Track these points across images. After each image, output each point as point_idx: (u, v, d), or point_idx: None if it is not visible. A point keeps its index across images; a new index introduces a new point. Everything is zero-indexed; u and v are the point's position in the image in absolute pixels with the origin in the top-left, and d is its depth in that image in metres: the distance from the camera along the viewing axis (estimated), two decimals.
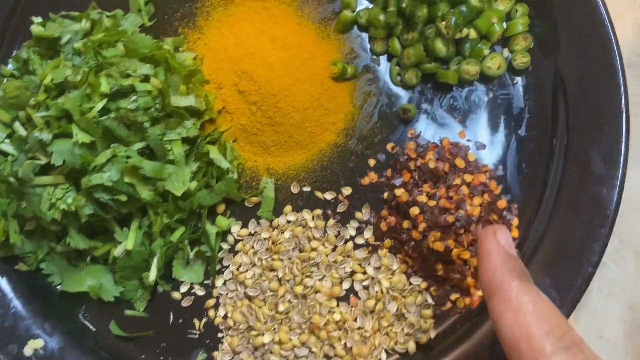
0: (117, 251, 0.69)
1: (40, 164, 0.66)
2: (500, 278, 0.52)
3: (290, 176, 0.76)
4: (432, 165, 0.72)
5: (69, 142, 0.65)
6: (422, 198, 0.70)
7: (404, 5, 0.75)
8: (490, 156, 0.75)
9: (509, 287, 0.51)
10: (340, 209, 0.75)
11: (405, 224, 0.71)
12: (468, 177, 0.72)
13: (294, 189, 0.75)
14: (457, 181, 0.72)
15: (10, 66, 0.76)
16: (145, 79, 0.71)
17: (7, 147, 0.71)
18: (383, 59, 0.79)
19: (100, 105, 0.65)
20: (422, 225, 0.69)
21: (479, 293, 0.71)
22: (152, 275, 0.70)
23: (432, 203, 0.70)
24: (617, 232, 0.71)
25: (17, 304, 0.72)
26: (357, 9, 0.80)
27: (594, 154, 0.71)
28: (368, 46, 0.79)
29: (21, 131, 0.71)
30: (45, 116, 0.67)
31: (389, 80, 0.78)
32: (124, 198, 0.66)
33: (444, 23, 0.74)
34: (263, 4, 0.80)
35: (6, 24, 0.79)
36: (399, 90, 0.78)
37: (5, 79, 0.76)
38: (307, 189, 0.76)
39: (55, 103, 0.66)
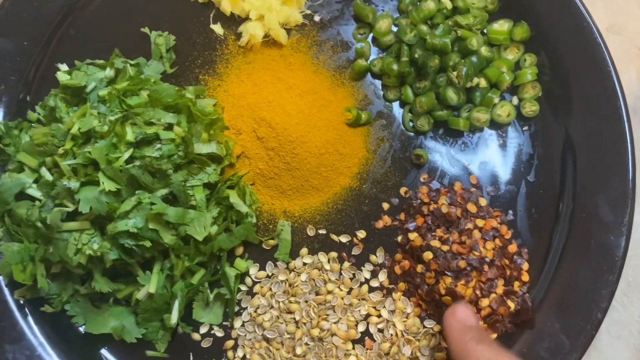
0: (140, 294, 0.71)
1: (67, 211, 0.69)
2: (462, 347, 0.62)
3: (306, 219, 0.79)
4: (444, 210, 0.74)
5: (96, 190, 0.68)
6: (436, 243, 0.73)
7: (416, 55, 0.78)
8: (501, 201, 0.78)
9: (471, 350, 0.61)
10: (355, 251, 0.77)
11: (419, 268, 0.73)
12: (480, 222, 0.74)
13: (310, 232, 0.78)
14: (469, 226, 0.74)
15: (37, 111, 0.79)
16: (169, 127, 0.74)
17: (34, 191, 0.73)
18: (396, 105, 0.82)
19: (126, 155, 0.68)
20: (434, 270, 0.71)
21: (494, 335, 0.73)
22: (174, 317, 0.72)
23: (445, 248, 0.72)
24: (624, 275, 0.73)
25: (42, 344, 0.74)
26: (371, 58, 0.83)
27: (601, 201, 0.73)
28: (381, 93, 0.82)
29: (47, 176, 0.73)
30: (72, 164, 0.70)
31: (401, 125, 0.81)
32: (148, 244, 0.68)
33: (455, 73, 0.77)
34: (280, 52, 0.84)
35: (34, 70, 0.82)
36: (411, 135, 0.81)
37: (32, 125, 0.79)
38: (322, 231, 0.78)
39: (82, 152, 0.69)
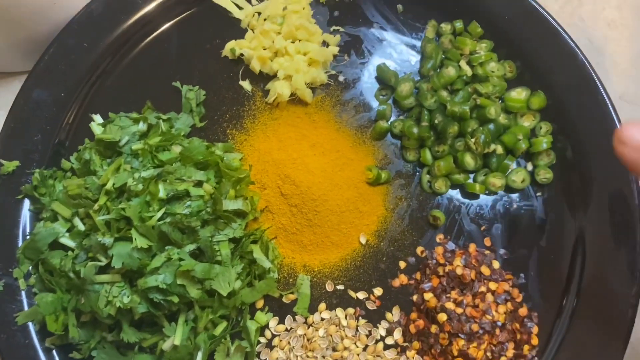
0: (166, 345, 0.74)
1: (100, 266, 0.72)
2: None
3: (325, 274, 0.82)
4: (459, 272, 0.77)
5: (129, 246, 0.71)
6: (450, 305, 0.75)
7: (436, 121, 0.82)
8: (513, 264, 0.81)
9: None
10: (371, 307, 0.80)
11: (433, 328, 0.76)
12: (493, 285, 0.77)
13: (329, 287, 0.81)
14: (483, 289, 0.77)
15: (72, 161, 0.82)
16: (198, 183, 0.77)
17: (67, 241, 0.76)
18: (415, 165, 0.85)
19: (159, 214, 0.71)
20: (448, 332, 0.74)
21: None
22: None
23: (459, 310, 0.75)
24: (632, 342, 0.75)
25: None
26: (392, 119, 0.86)
27: (610, 271, 0.76)
28: (401, 153, 0.86)
29: (80, 226, 0.77)
30: (106, 219, 0.73)
31: (420, 186, 0.84)
32: (176, 299, 0.71)
33: (473, 140, 0.80)
34: (305, 110, 0.87)
35: (69, 120, 0.85)
36: (429, 196, 0.84)
37: (65, 173, 0.82)
38: (340, 287, 0.81)
39: (116, 209, 0.72)
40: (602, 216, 0.78)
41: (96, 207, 0.73)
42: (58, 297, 0.74)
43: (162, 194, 0.73)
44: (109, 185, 0.74)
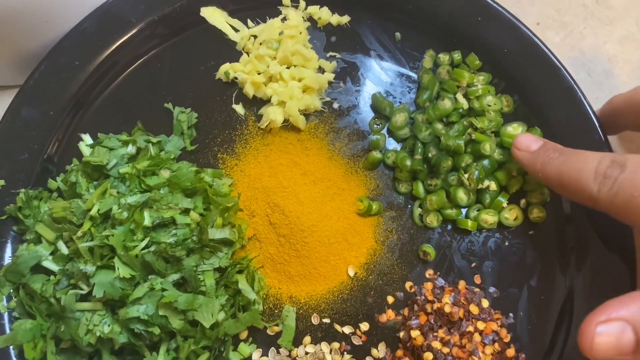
0: None
1: (82, 294, 0.70)
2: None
3: (311, 306, 0.80)
4: (447, 310, 0.76)
5: (111, 275, 0.70)
6: (437, 344, 0.74)
7: (430, 155, 0.80)
8: (502, 303, 0.79)
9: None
10: (357, 342, 0.79)
11: None
12: (481, 325, 0.76)
13: (314, 320, 0.79)
14: (470, 328, 0.76)
15: (58, 182, 0.81)
16: (185, 211, 0.76)
17: (50, 264, 0.75)
18: (407, 198, 0.84)
19: (143, 243, 0.70)
20: None
21: None
22: None
23: (446, 350, 0.74)
24: None
25: None
26: (386, 149, 0.85)
27: None
28: (393, 184, 0.84)
29: (64, 250, 0.75)
30: (89, 245, 0.72)
31: (411, 219, 0.83)
32: (157, 330, 0.70)
33: (466, 175, 0.79)
34: (297, 136, 0.86)
35: (57, 139, 0.84)
36: (420, 230, 0.82)
37: (52, 193, 0.81)
38: (326, 320, 0.80)
39: (100, 236, 0.71)
40: (595, 260, 0.76)
41: (80, 233, 0.72)
42: (37, 323, 0.72)
43: (147, 221, 0.72)
44: (93, 211, 0.73)
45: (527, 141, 0.73)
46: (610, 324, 0.57)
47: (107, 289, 0.70)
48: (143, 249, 0.71)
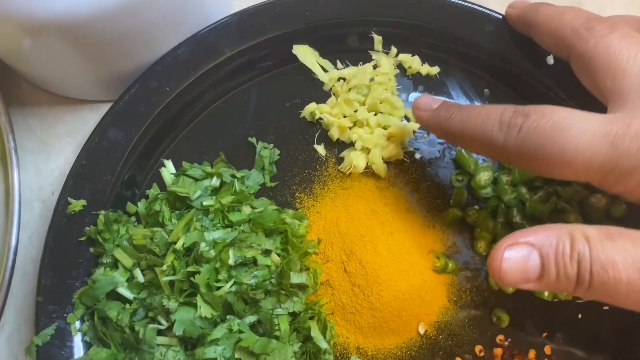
0: None
1: (161, 329, 0.70)
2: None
3: (378, 359, 0.79)
4: None
5: (192, 312, 0.69)
6: None
7: (514, 219, 0.79)
8: None
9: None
10: None
11: None
12: None
13: None
14: None
15: (139, 207, 0.80)
16: (266, 252, 0.75)
17: (125, 291, 0.75)
18: (484, 258, 0.83)
19: (228, 285, 0.69)
20: None
21: None
22: None
23: None
24: None
25: None
26: (466, 206, 0.84)
27: None
28: (471, 243, 0.83)
29: (140, 278, 0.75)
30: (172, 280, 0.71)
31: (486, 281, 0.82)
32: None
33: None
34: (377, 183, 0.85)
35: (140, 162, 0.84)
36: (495, 293, 0.81)
37: (130, 216, 0.81)
38: None
39: (184, 270, 0.71)
40: None
41: (165, 267, 0.71)
42: (112, 353, 0.72)
43: (231, 260, 0.72)
44: (178, 245, 0.72)
45: (428, 100, 0.74)
46: (517, 248, 0.57)
47: (187, 327, 0.69)
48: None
